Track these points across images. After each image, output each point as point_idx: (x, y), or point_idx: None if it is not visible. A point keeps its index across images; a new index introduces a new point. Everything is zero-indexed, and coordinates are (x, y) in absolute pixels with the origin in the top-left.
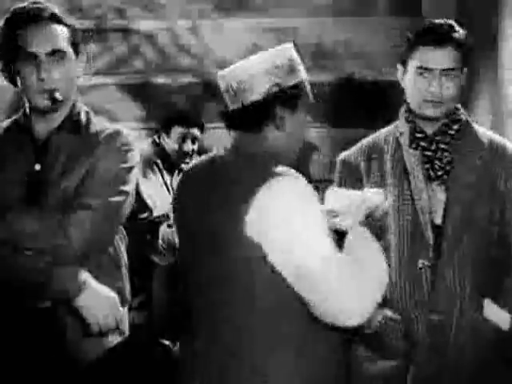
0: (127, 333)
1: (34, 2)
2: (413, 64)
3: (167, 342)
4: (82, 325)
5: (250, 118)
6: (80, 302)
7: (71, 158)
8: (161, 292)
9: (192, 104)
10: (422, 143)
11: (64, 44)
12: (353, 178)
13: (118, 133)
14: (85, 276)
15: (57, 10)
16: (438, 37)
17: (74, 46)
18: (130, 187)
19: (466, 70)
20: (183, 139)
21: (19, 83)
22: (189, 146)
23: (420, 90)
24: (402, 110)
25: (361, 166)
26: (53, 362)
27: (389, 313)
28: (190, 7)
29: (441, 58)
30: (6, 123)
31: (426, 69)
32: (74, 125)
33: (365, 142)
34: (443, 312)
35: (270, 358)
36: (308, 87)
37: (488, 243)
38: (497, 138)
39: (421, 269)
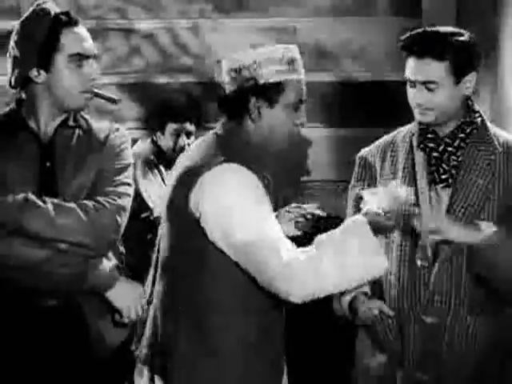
0: None
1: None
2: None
3: None
4: (111, 315)
5: (231, 106)
6: (113, 294)
7: (80, 155)
8: None
9: (187, 100)
10: (430, 144)
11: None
12: (369, 175)
13: (118, 130)
14: (115, 270)
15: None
16: (419, 47)
17: None
18: (131, 187)
19: (472, 75)
20: (178, 135)
21: (53, 82)
22: (184, 141)
23: (410, 99)
24: None
25: (376, 164)
26: (76, 352)
27: (385, 308)
28: (189, 7)
29: (420, 69)
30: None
31: (409, 80)
32: (76, 121)
33: (383, 139)
34: (437, 315)
35: (213, 318)
36: (301, 87)
37: None
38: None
39: (419, 269)
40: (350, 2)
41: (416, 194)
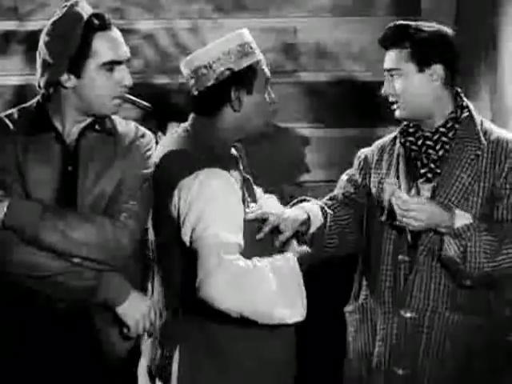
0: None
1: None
2: None
3: None
4: (119, 329)
5: (207, 102)
6: (123, 310)
7: (104, 162)
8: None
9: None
10: (410, 138)
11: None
12: (364, 168)
13: (144, 135)
14: (128, 285)
15: None
16: (385, 41)
17: None
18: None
19: (436, 68)
20: None
21: (84, 87)
22: None
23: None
24: None
25: (374, 160)
26: (85, 358)
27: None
28: (189, 7)
29: (387, 60)
30: (26, 115)
31: (384, 69)
32: (102, 125)
33: (384, 138)
34: (415, 309)
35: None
36: (263, 67)
37: None
38: (506, 137)
39: (400, 264)
40: (349, 2)
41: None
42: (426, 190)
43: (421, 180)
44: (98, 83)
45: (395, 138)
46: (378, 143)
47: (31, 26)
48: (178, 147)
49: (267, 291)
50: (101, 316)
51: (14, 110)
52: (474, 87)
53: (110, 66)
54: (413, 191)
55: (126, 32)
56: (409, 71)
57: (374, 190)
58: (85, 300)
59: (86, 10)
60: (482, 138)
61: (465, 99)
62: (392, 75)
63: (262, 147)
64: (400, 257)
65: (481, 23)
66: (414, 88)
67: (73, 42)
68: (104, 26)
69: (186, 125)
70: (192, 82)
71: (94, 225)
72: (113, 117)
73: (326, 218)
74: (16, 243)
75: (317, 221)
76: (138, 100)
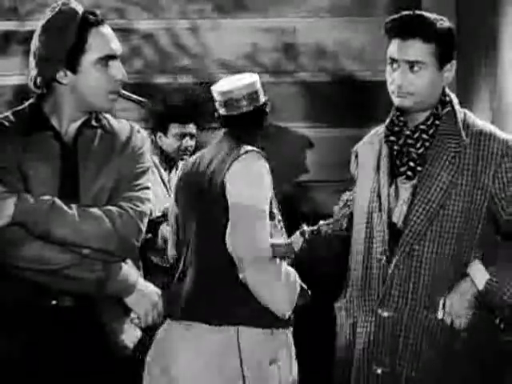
0: None
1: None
2: (387, 56)
3: None
4: (129, 319)
5: (246, 121)
6: (132, 300)
7: (103, 157)
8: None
9: (188, 102)
10: (391, 137)
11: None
12: (355, 166)
13: (139, 131)
14: (136, 275)
15: None
16: (404, 29)
17: None
18: (150, 190)
19: (452, 63)
20: (182, 136)
21: (80, 83)
22: (188, 143)
23: (390, 82)
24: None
25: (362, 155)
26: (92, 351)
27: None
28: (189, 7)
29: (405, 49)
30: (20, 115)
31: (393, 60)
32: (99, 122)
33: (374, 130)
34: (393, 308)
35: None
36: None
37: (459, 241)
38: (490, 131)
39: (378, 262)
40: (349, 2)
41: (379, 187)
42: (406, 188)
43: (400, 178)
44: (94, 78)
45: (380, 130)
46: (368, 135)
47: (31, 26)
48: (228, 146)
49: (285, 284)
50: (109, 314)
51: (7, 113)
52: (474, 87)
53: (105, 60)
54: (392, 189)
55: (126, 32)
56: (430, 66)
57: (358, 184)
58: (95, 293)
59: (78, 7)
60: (463, 134)
61: (450, 94)
62: (412, 67)
63: (262, 147)
64: (378, 256)
65: (481, 23)
66: (432, 84)
67: (69, 38)
68: (98, 22)
69: (224, 136)
70: (244, 103)
71: (101, 215)
72: (106, 115)
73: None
74: (27, 239)
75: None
76: (134, 95)
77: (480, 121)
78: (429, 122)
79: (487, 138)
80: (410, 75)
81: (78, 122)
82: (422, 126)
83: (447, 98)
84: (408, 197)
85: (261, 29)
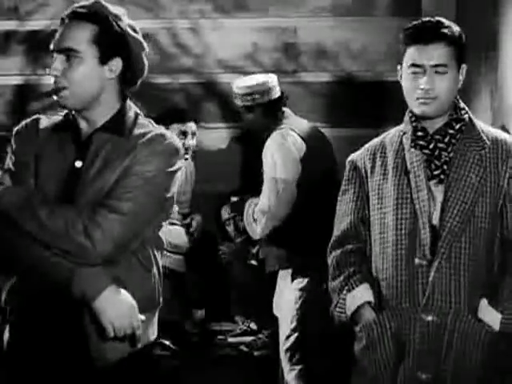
0: (152, 339)
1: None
2: (405, 63)
3: (167, 342)
4: (100, 327)
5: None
6: (96, 304)
7: (109, 159)
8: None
9: (187, 101)
10: (421, 142)
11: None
12: (358, 178)
13: (160, 136)
14: (105, 279)
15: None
16: (427, 33)
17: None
18: (169, 193)
19: (464, 66)
20: (184, 135)
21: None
22: (189, 142)
23: (412, 88)
24: (408, 110)
25: (366, 165)
26: (74, 362)
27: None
28: (189, 7)
29: (430, 53)
30: (58, 117)
31: (416, 65)
32: (117, 125)
33: (372, 143)
34: (437, 312)
35: None
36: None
37: (489, 243)
38: (503, 136)
39: (417, 267)
40: (349, 2)
41: (410, 193)
42: (439, 191)
43: (433, 181)
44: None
45: (383, 141)
46: (366, 148)
47: (31, 25)
48: None
49: None
50: (92, 320)
51: (58, 114)
52: (475, 87)
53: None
54: (425, 192)
55: None
56: (453, 69)
57: (372, 194)
58: (64, 293)
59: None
60: (485, 138)
61: (459, 99)
62: (438, 71)
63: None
64: (417, 261)
65: (481, 23)
66: (453, 87)
67: None
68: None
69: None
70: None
71: (68, 216)
72: (140, 119)
73: None
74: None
75: None
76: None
77: (490, 127)
78: (457, 127)
79: (504, 143)
80: (436, 78)
81: (98, 123)
82: (450, 131)
83: (461, 104)
84: (442, 199)
85: (261, 29)
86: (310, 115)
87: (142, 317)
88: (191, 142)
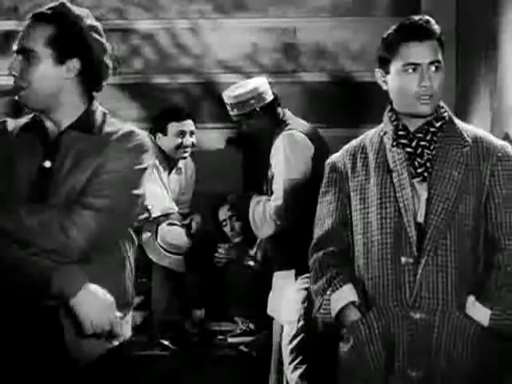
0: (128, 336)
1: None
2: (397, 63)
3: (167, 342)
4: (77, 325)
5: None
6: (74, 302)
7: (80, 157)
8: (160, 292)
9: (187, 101)
10: (403, 141)
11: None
12: (339, 179)
13: (131, 133)
14: (83, 276)
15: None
16: (420, 31)
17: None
18: (141, 190)
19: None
20: (182, 133)
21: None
22: (188, 140)
23: (410, 88)
24: (387, 110)
25: (347, 166)
26: (52, 360)
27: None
28: (189, 7)
29: (426, 51)
30: (25, 119)
31: (413, 64)
32: (86, 124)
33: (351, 143)
34: (425, 310)
35: None
36: None
37: (474, 240)
38: (482, 134)
39: (403, 266)
40: (349, 2)
41: (393, 192)
42: (423, 189)
43: (417, 179)
44: None
45: (362, 142)
46: (345, 149)
47: None
48: None
49: None
50: (68, 319)
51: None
52: (474, 87)
53: None
54: (409, 190)
55: (126, 32)
56: (443, 65)
57: (354, 194)
58: (42, 291)
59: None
60: (466, 136)
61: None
62: (433, 68)
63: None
64: (403, 259)
65: (481, 23)
66: (443, 83)
67: None
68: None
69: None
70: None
71: (44, 214)
72: (108, 118)
73: None
74: None
75: None
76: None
77: (468, 124)
78: (437, 125)
79: (484, 141)
80: (432, 76)
81: (67, 123)
82: (432, 129)
83: (440, 102)
84: (425, 196)
85: (261, 29)
86: (310, 115)
87: (119, 314)
88: (189, 140)
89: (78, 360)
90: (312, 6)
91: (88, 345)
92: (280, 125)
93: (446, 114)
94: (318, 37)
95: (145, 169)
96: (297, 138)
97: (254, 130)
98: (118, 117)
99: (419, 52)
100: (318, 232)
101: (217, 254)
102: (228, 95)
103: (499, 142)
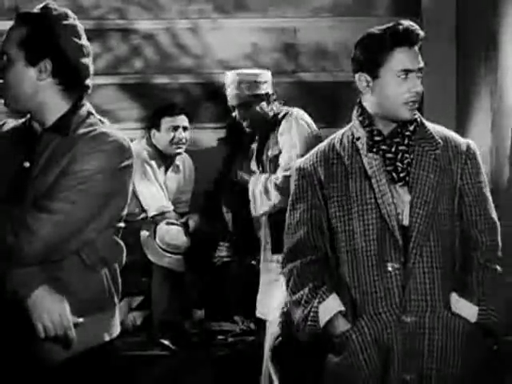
0: (115, 335)
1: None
2: (390, 68)
3: (167, 342)
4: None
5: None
6: (28, 304)
7: (51, 159)
8: (160, 292)
9: (187, 101)
10: (383, 147)
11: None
12: (311, 185)
13: (102, 135)
14: (38, 279)
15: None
16: (413, 36)
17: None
18: (117, 191)
19: None
20: (175, 128)
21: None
22: (181, 134)
23: (402, 93)
24: (355, 113)
25: (319, 172)
26: (24, 358)
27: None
28: (189, 7)
29: (417, 57)
30: (22, 120)
31: (407, 70)
32: (62, 125)
33: (319, 148)
34: (415, 312)
35: None
36: None
37: (452, 239)
38: (448, 133)
39: (390, 272)
40: (349, 2)
41: (374, 198)
42: (404, 192)
43: (399, 184)
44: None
45: (331, 146)
46: (313, 154)
47: None
48: None
49: None
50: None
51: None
52: (474, 87)
53: None
54: (395, 196)
55: (126, 32)
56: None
57: (331, 202)
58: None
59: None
60: (437, 137)
61: None
62: (419, 74)
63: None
64: (390, 264)
65: (481, 23)
66: None
67: None
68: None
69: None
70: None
71: (0, 217)
72: (90, 119)
73: None
74: None
75: None
76: None
77: (440, 126)
78: (411, 128)
79: (453, 141)
80: (419, 82)
81: (48, 124)
82: (406, 133)
83: None
84: (408, 200)
85: (261, 29)
86: (310, 115)
87: (80, 319)
88: (182, 135)
89: (47, 362)
90: (312, 6)
91: (56, 348)
92: (282, 109)
93: (417, 117)
94: (317, 37)
95: (122, 169)
96: (303, 117)
97: (261, 113)
98: (119, 117)
99: (412, 58)
100: (291, 241)
101: (216, 253)
102: (246, 73)
103: (465, 140)
